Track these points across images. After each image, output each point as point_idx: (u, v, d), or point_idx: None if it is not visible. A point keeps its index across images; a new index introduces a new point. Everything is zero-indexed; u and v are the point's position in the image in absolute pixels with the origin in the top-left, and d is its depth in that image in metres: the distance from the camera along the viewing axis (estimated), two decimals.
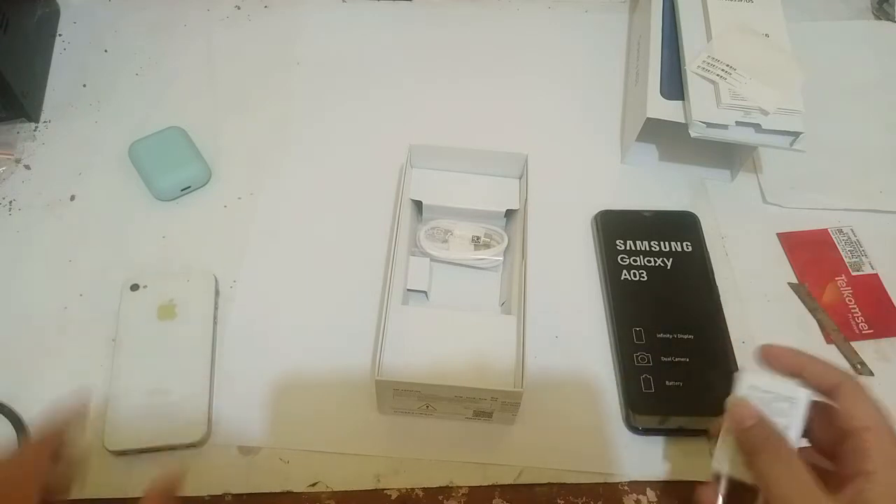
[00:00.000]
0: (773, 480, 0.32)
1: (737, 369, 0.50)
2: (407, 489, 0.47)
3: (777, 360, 0.37)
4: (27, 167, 0.59)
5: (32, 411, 0.48)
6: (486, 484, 0.47)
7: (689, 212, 0.58)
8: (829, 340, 0.53)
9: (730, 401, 0.36)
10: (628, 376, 0.49)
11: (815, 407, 0.36)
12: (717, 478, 0.37)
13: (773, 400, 0.35)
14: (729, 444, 0.36)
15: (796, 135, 0.54)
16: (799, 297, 0.55)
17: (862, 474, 0.30)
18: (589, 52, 0.69)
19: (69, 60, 0.66)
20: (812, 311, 0.54)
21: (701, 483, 0.37)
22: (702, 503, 0.36)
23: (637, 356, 0.50)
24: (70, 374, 0.50)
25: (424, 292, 0.53)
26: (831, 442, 0.35)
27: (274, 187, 0.59)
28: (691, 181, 0.61)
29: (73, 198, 0.58)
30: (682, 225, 0.57)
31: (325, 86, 0.66)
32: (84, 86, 0.65)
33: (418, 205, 0.55)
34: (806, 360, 0.36)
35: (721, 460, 0.36)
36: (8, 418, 0.47)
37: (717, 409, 0.38)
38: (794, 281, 0.56)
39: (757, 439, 0.34)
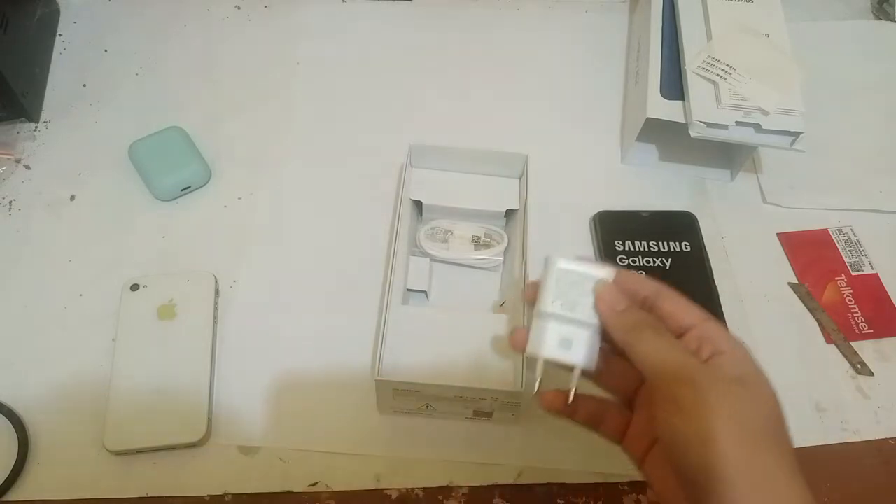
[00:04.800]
0: (660, 354, 0.33)
1: None
2: (407, 489, 0.47)
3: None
4: (27, 167, 0.59)
5: (32, 411, 0.48)
6: (486, 484, 0.47)
7: (687, 212, 0.58)
8: (829, 340, 0.53)
9: (596, 287, 0.37)
10: None
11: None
12: (533, 362, 0.37)
13: (581, 280, 0.36)
14: (546, 327, 0.37)
15: (796, 135, 0.54)
16: (799, 297, 0.55)
17: (717, 355, 0.32)
18: (589, 52, 0.69)
19: (69, 60, 0.66)
20: (812, 311, 0.55)
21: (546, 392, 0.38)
22: (550, 405, 0.38)
23: None
24: (70, 374, 0.50)
25: (424, 292, 0.53)
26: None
27: (274, 187, 0.59)
28: (691, 181, 0.61)
29: (73, 198, 0.58)
30: (681, 225, 0.57)
31: (325, 86, 0.66)
32: (84, 86, 0.65)
33: (418, 205, 0.55)
34: (620, 273, 0.37)
35: (538, 343, 0.37)
36: (8, 418, 0.47)
37: None
38: (794, 281, 0.56)
39: (631, 320, 0.35)
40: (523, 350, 0.38)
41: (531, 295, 0.38)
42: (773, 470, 0.29)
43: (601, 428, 0.38)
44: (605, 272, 0.37)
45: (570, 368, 0.36)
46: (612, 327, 0.36)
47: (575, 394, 0.37)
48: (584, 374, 0.37)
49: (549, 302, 0.36)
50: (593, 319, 0.36)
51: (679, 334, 0.34)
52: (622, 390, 0.39)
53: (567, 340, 0.36)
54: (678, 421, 0.31)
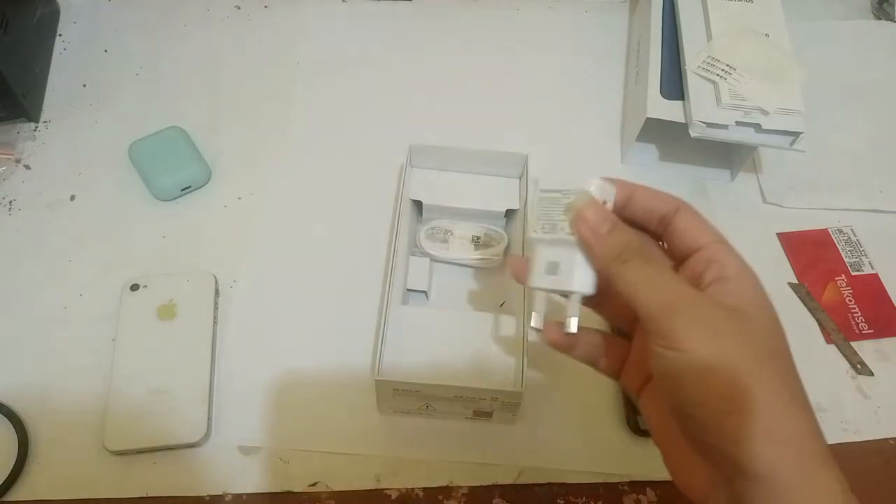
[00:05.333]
0: (648, 286, 0.30)
1: None
2: (407, 489, 0.47)
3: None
4: (27, 167, 0.59)
5: (32, 411, 0.48)
6: (486, 484, 0.47)
7: None
8: (829, 340, 0.53)
9: (575, 204, 0.32)
10: None
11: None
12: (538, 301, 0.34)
13: (562, 197, 0.33)
14: (532, 255, 0.33)
15: (796, 135, 0.54)
16: (799, 297, 0.55)
17: (720, 280, 0.30)
18: (589, 52, 0.69)
19: (69, 60, 0.66)
20: (812, 311, 0.54)
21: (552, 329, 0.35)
22: (553, 340, 0.35)
23: None
24: (70, 373, 0.50)
25: (424, 292, 0.53)
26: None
27: (274, 187, 0.59)
28: (691, 181, 0.61)
29: (73, 198, 0.58)
30: None
31: (325, 86, 0.66)
32: (84, 86, 0.65)
33: (418, 205, 0.55)
34: (637, 189, 0.34)
35: (528, 273, 0.34)
36: (8, 418, 0.47)
37: None
38: (794, 281, 0.56)
39: (617, 246, 0.31)
40: (520, 280, 0.35)
41: (519, 268, 0.36)
42: (775, 401, 0.27)
43: (600, 364, 0.36)
44: (590, 184, 0.32)
45: (566, 295, 0.33)
46: (593, 254, 0.31)
47: (578, 325, 0.33)
48: (585, 299, 0.33)
49: (532, 228, 0.33)
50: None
51: (687, 255, 0.32)
52: (621, 318, 0.36)
53: (553, 265, 0.33)
54: (671, 355, 0.28)
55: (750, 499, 0.27)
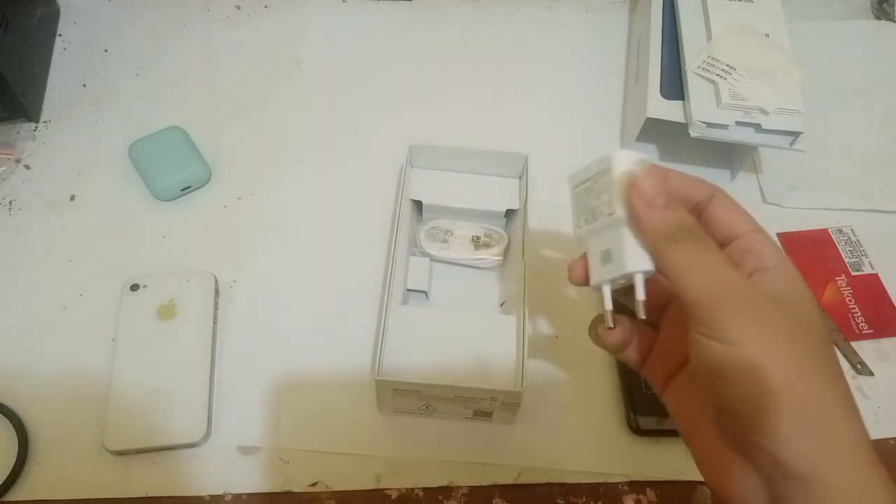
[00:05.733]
0: (696, 270, 0.28)
1: None
2: (407, 489, 0.47)
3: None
4: (27, 167, 0.59)
5: (32, 411, 0.48)
6: (486, 484, 0.47)
7: None
8: None
9: (635, 171, 0.29)
10: (628, 376, 0.49)
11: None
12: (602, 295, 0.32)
13: (593, 182, 0.31)
14: (588, 252, 0.31)
15: (796, 135, 0.54)
16: None
17: (760, 271, 0.29)
18: (589, 52, 0.69)
19: (69, 60, 0.66)
20: None
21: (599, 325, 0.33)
22: (615, 346, 0.34)
23: None
24: (70, 374, 0.50)
25: (424, 292, 0.53)
26: None
27: (274, 187, 0.59)
28: None
29: (73, 198, 0.58)
30: None
31: (325, 86, 0.66)
32: (84, 86, 0.65)
33: (418, 205, 0.55)
34: (671, 173, 0.32)
35: (597, 272, 0.31)
36: (8, 418, 0.47)
37: None
38: None
39: (672, 223, 0.29)
40: (579, 282, 0.33)
41: (575, 273, 0.34)
42: (821, 399, 0.26)
43: (626, 351, 0.34)
44: (617, 157, 0.30)
45: (629, 283, 0.31)
46: (643, 228, 0.29)
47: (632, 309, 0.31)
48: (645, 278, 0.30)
49: (575, 225, 0.32)
50: (620, 212, 0.29)
51: (723, 244, 0.30)
52: (651, 304, 0.33)
53: (606, 253, 0.30)
54: (716, 346, 0.27)
55: (792, 501, 0.26)
